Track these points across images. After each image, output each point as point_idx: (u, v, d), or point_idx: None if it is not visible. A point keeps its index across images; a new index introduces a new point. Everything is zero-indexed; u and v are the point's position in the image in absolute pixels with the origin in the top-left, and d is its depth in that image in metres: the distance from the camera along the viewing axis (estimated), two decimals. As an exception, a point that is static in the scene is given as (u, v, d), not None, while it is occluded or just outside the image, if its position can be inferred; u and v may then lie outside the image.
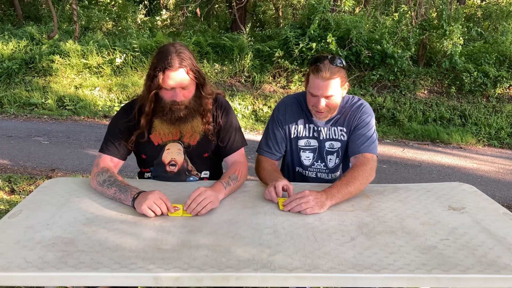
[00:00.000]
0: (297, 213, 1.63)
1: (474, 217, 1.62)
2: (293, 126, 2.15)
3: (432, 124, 7.56)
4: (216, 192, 1.68)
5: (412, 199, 1.79)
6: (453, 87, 8.15)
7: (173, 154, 1.95)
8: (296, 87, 8.40)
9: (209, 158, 2.03)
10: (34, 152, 5.54)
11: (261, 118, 7.78)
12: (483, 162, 5.96)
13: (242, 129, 7.01)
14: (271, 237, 1.43)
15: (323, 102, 1.94)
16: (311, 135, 2.14)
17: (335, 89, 1.93)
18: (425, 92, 8.28)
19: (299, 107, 2.15)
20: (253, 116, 7.86)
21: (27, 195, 4.19)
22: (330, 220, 1.57)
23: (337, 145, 2.13)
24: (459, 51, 8.12)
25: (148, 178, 2.04)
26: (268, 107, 7.96)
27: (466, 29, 9.04)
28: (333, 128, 2.11)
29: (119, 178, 1.75)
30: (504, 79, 7.99)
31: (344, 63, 1.99)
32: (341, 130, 2.11)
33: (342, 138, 2.12)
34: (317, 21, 8.40)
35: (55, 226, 1.46)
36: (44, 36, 10.16)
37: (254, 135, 7.02)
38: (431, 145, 6.91)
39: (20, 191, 4.25)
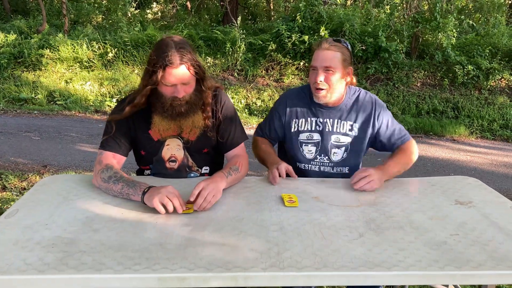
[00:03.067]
0: (302, 209, 1.59)
1: (481, 211, 1.59)
2: (293, 121, 2.13)
3: (426, 117, 7.57)
4: (216, 182, 1.64)
5: (418, 193, 1.76)
6: (445, 79, 8.16)
7: (173, 150, 1.90)
8: (289, 81, 8.36)
9: (209, 153, 1.99)
10: (25, 148, 5.46)
11: (255, 111, 7.73)
12: (476, 154, 5.98)
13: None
14: (278, 234, 1.39)
15: (321, 74, 1.93)
16: (313, 128, 2.11)
17: (335, 62, 1.92)
18: (418, 84, 8.28)
19: (301, 100, 2.13)
20: (246, 110, 7.81)
21: (19, 192, 4.14)
22: (336, 216, 1.53)
23: (345, 139, 2.09)
24: (453, 43, 8.12)
25: (148, 175, 2.00)
26: (261, 101, 7.91)
27: (457, 22, 9.03)
28: (342, 122, 2.08)
29: (125, 175, 1.70)
30: (496, 71, 8.01)
31: (349, 46, 1.99)
32: (351, 125, 2.08)
33: (354, 134, 2.09)
34: (303, 8, 8.34)
35: (55, 225, 1.40)
36: (33, 30, 9.99)
37: (247, 129, 6.97)
38: (424, 137, 6.92)
39: (11, 188, 4.18)
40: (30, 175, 4.49)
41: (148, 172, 1.99)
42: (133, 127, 1.86)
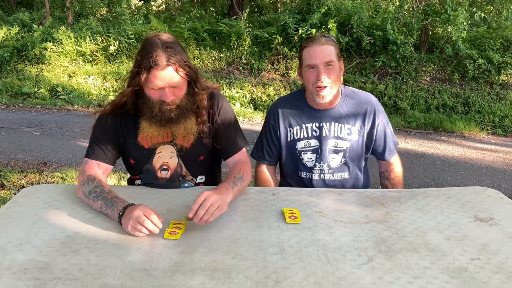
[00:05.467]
0: (305, 226, 1.44)
1: (505, 230, 1.43)
2: (288, 129, 2.00)
3: (435, 112, 7.37)
4: (223, 195, 1.48)
5: (432, 208, 1.59)
6: (456, 74, 7.94)
7: (166, 158, 1.74)
8: (295, 75, 8.17)
9: (205, 161, 1.82)
10: (25, 144, 5.36)
11: (260, 106, 7.57)
12: (487, 152, 5.80)
13: (241, 118, 6.91)
14: (277, 258, 1.24)
15: (323, 71, 1.81)
16: (310, 134, 1.97)
17: (333, 56, 1.83)
18: (428, 79, 8.07)
19: (294, 106, 2.00)
20: (251, 105, 7.65)
21: (17, 190, 4.03)
22: (343, 235, 1.38)
23: (343, 144, 1.96)
24: (463, 36, 7.88)
25: (139, 185, 1.84)
26: (266, 96, 7.75)
27: (468, 14, 8.77)
28: (339, 125, 1.94)
29: (106, 188, 1.54)
30: (509, 65, 7.76)
31: (335, 41, 1.91)
32: (349, 129, 1.94)
33: (352, 138, 1.95)
34: (323, 11, 8.13)
35: (30, 246, 1.26)
36: (36, 23, 9.87)
37: (252, 124, 6.83)
38: (433, 133, 6.74)
39: (10, 186, 4.08)
40: (29, 173, 4.39)
41: (138, 182, 1.84)
42: (121, 133, 1.71)
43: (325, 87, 1.84)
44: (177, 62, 1.50)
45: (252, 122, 6.98)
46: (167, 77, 1.51)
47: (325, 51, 1.82)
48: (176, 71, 1.52)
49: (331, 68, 1.83)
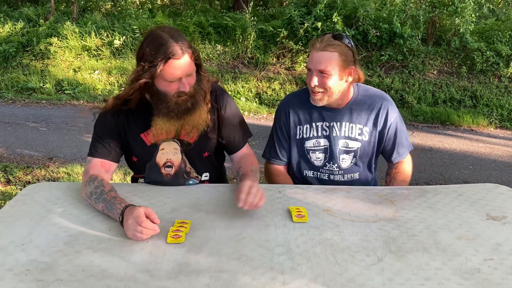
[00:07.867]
0: (312, 225, 1.41)
1: (518, 229, 1.39)
2: (298, 127, 1.95)
3: (442, 106, 7.29)
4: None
5: (442, 205, 1.55)
6: (463, 67, 7.84)
7: (169, 155, 1.70)
8: (301, 69, 8.11)
9: (209, 158, 1.80)
10: (31, 139, 5.36)
11: (265, 101, 7.52)
12: (496, 146, 5.73)
13: (246, 113, 6.88)
14: (284, 258, 1.21)
15: (315, 79, 1.75)
16: (319, 134, 1.92)
17: (331, 64, 1.72)
18: (435, 72, 7.98)
19: (303, 104, 1.94)
20: (257, 99, 7.61)
21: (23, 185, 4.02)
22: (352, 234, 1.35)
23: (354, 144, 1.90)
24: (471, 29, 7.78)
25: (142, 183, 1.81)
26: (272, 90, 7.70)
27: (476, 6, 8.65)
28: (350, 125, 1.89)
29: (106, 188, 1.51)
30: (517, 58, 7.67)
31: (351, 43, 1.77)
32: (360, 129, 1.89)
33: (363, 139, 1.90)
34: (325, 0, 8.05)
35: (32, 246, 1.24)
36: (41, 17, 9.86)
37: (257, 119, 6.79)
38: (441, 127, 6.67)
39: (16, 182, 4.08)
40: (35, 168, 4.39)
41: (141, 181, 1.81)
42: (123, 130, 1.68)
43: (318, 92, 1.80)
44: (189, 48, 1.51)
45: (257, 116, 6.94)
46: (185, 65, 1.51)
47: (320, 58, 1.74)
48: (191, 57, 1.52)
49: (325, 77, 1.75)
